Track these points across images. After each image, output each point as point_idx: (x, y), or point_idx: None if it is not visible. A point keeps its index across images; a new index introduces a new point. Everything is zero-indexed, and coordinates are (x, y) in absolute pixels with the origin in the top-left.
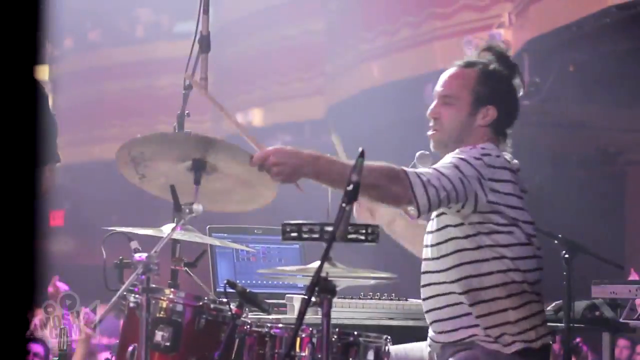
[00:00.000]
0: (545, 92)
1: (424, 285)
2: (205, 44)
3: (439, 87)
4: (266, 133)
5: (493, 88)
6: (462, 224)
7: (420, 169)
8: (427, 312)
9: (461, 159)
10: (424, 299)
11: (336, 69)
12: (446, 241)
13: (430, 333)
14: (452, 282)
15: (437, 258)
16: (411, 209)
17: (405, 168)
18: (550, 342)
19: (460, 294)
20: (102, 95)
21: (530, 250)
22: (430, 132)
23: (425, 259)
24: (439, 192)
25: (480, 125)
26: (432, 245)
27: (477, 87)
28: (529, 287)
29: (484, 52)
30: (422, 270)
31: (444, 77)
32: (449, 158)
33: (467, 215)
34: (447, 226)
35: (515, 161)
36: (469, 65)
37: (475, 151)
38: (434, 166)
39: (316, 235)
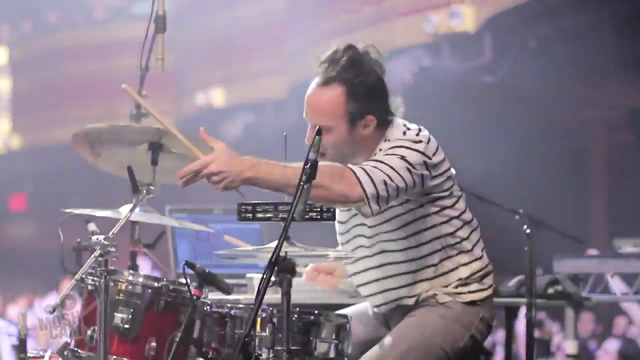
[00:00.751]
0: (507, 69)
1: (364, 257)
2: (161, 24)
3: (308, 116)
4: (227, 113)
5: (364, 99)
6: (407, 201)
7: (367, 164)
8: (375, 281)
9: (405, 147)
10: (362, 271)
11: (297, 48)
12: (393, 218)
13: (378, 301)
14: (402, 251)
15: (385, 234)
16: (363, 207)
17: (351, 166)
18: (496, 290)
19: (411, 261)
20: (61, 77)
21: (464, 201)
22: (322, 159)
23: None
24: (388, 187)
25: (366, 134)
26: (375, 226)
27: (347, 108)
28: (475, 236)
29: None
30: (363, 251)
31: (309, 104)
32: (390, 149)
33: (418, 194)
34: (391, 207)
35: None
36: (329, 81)
37: (410, 134)
38: (380, 158)
39: (270, 215)
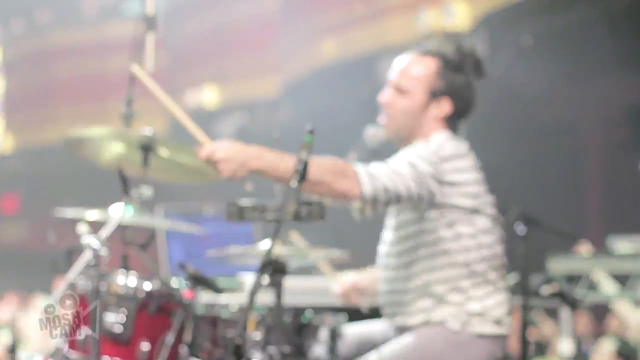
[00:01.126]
0: (502, 66)
1: (386, 274)
2: (151, 23)
3: (393, 75)
4: (220, 113)
5: (449, 81)
6: (421, 219)
7: (375, 165)
8: (390, 303)
9: (417, 155)
10: (385, 291)
11: (290, 47)
12: (406, 237)
13: (390, 317)
14: (415, 273)
15: (398, 249)
16: (356, 207)
17: (354, 165)
18: (509, 332)
19: (422, 285)
20: (53, 77)
21: (493, 237)
22: (381, 119)
23: (388, 253)
24: (388, 194)
25: (434, 118)
26: (393, 241)
27: (433, 80)
28: (495, 274)
29: (444, 42)
30: (384, 261)
31: (399, 64)
32: (405, 154)
33: (425, 210)
34: (406, 222)
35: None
36: (427, 53)
37: (433, 144)
38: (390, 163)
39: (258, 215)
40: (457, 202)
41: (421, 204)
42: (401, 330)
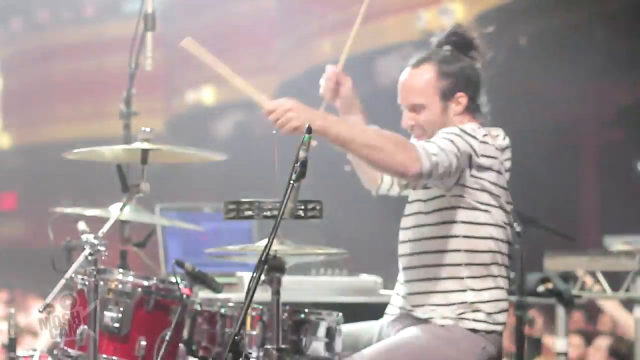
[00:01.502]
0: (497, 66)
1: (402, 255)
2: (150, 22)
3: (401, 98)
4: (218, 111)
5: (452, 76)
6: (442, 196)
7: (424, 143)
8: (404, 282)
9: (457, 134)
10: (403, 268)
11: (287, 46)
12: (422, 214)
13: (398, 302)
14: (420, 254)
15: (413, 228)
16: (403, 182)
17: (414, 141)
18: (502, 329)
19: (427, 267)
20: (52, 76)
21: (504, 233)
22: (414, 139)
23: (403, 228)
24: (439, 167)
25: (457, 113)
26: (409, 215)
27: (439, 85)
28: (497, 270)
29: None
30: (400, 239)
31: (401, 85)
32: (443, 133)
33: (449, 187)
34: (421, 200)
35: (505, 139)
36: (421, 62)
37: (468, 127)
38: (433, 140)
39: (256, 213)
40: (482, 184)
41: (451, 178)
42: (403, 310)
